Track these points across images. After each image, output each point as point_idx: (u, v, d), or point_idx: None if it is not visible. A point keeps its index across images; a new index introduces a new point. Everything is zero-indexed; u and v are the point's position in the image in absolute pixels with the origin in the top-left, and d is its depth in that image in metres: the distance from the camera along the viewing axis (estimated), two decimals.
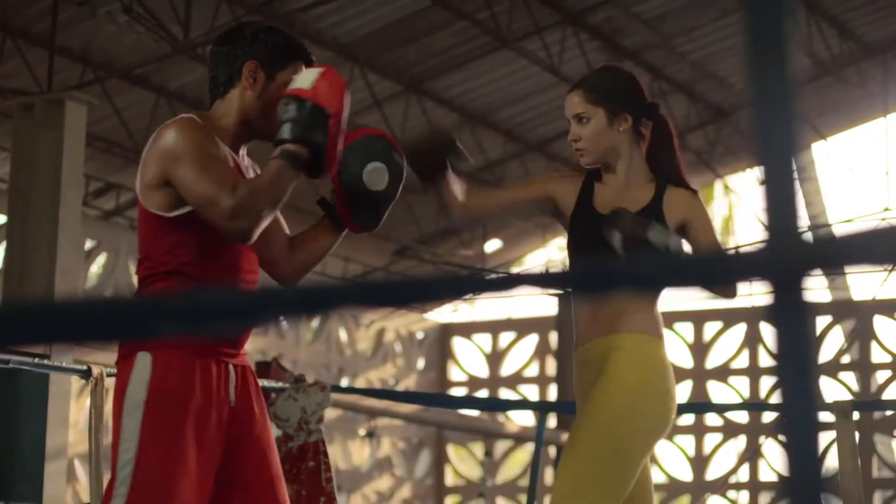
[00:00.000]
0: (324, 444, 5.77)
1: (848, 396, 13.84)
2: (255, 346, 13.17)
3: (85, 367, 4.99)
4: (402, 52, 11.41)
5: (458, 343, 15.55)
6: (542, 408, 7.03)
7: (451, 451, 15.46)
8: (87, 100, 9.18)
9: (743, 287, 4.82)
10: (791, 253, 1.39)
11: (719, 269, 1.44)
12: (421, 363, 15.30)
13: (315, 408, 5.92)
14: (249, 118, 3.61)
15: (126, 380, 3.46)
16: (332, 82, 3.54)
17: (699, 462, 14.33)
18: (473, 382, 15.34)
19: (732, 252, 1.50)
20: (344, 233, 3.77)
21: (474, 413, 14.87)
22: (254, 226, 3.43)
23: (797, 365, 1.41)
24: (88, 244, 12.11)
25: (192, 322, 1.42)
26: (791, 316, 1.43)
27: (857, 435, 13.48)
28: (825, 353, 14.11)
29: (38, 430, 5.81)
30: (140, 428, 3.41)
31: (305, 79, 3.53)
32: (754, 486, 14.11)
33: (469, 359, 15.56)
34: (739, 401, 14.15)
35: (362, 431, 14.41)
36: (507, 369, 15.31)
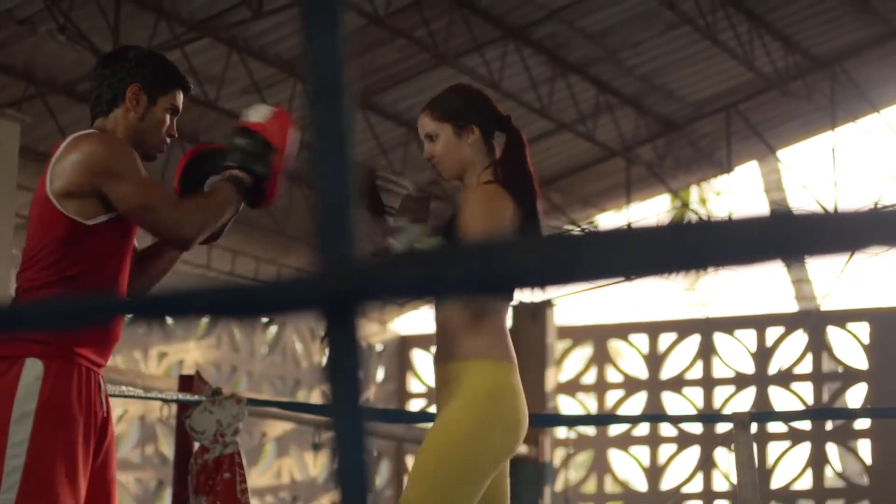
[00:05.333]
0: (239, 457, 5.84)
1: (801, 407, 13.92)
2: (208, 359, 13.23)
3: None
4: None
5: (417, 355, 15.63)
6: None
7: (411, 462, 15.51)
8: (21, 117, 9.27)
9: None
10: (340, 282, 1.47)
11: (270, 298, 1.51)
12: (380, 375, 15.37)
13: (230, 420, 5.99)
14: (130, 138, 3.77)
15: (13, 384, 3.57)
16: (283, 122, 3.78)
17: (654, 472, 14.41)
18: (432, 394, 15.38)
19: (286, 280, 1.58)
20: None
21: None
22: (196, 236, 3.66)
23: (346, 389, 1.50)
24: None
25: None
26: (340, 342, 1.51)
27: (808, 444, 13.48)
28: (778, 365, 14.18)
29: None
30: (30, 436, 3.55)
31: (259, 113, 3.77)
32: (708, 496, 14.19)
33: (428, 370, 15.64)
34: (693, 411, 14.24)
35: None
36: None
